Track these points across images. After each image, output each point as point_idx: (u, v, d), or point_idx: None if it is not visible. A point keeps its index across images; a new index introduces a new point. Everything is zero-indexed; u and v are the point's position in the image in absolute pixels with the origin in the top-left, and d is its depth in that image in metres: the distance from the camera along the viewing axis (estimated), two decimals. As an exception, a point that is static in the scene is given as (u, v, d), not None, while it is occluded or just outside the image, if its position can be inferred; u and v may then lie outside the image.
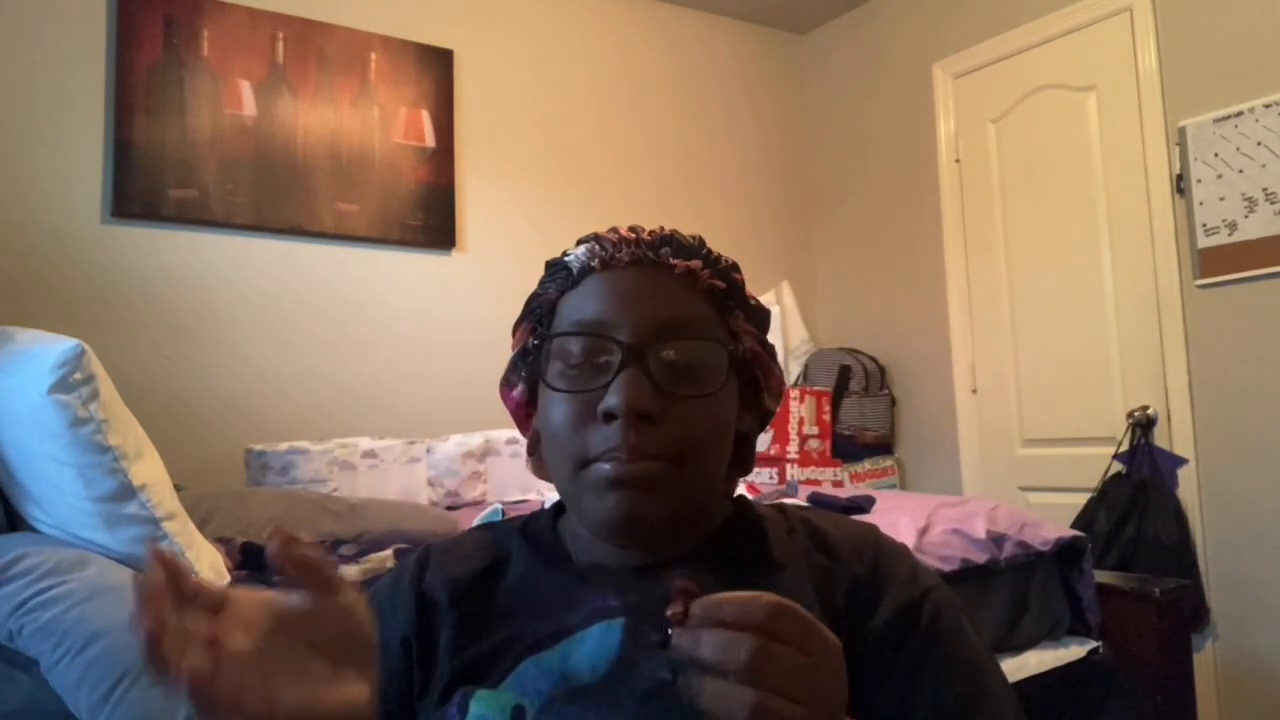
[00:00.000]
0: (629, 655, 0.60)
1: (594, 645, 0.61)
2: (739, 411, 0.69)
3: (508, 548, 0.70)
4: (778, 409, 0.74)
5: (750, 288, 0.72)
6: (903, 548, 0.72)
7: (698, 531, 0.68)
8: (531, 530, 0.72)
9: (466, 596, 0.66)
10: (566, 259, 0.68)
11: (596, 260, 0.66)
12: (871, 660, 0.62)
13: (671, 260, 0.66)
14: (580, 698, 0.59)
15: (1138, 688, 1.87)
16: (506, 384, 0.73)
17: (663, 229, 0.68)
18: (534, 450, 0.71)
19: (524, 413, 0.72)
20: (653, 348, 0.62)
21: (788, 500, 2.01)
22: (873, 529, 0.72)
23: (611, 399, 0.60)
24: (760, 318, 0.71)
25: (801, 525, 0.71)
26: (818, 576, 0.66)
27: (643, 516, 0.61)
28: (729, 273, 0.68)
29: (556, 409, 0.64)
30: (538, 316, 0.70)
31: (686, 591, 0.47)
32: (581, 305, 0.65)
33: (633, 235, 0.66)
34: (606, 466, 0.61)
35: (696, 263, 0.66)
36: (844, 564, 0.67)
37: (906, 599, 0.65)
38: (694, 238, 0.68)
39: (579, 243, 0.68)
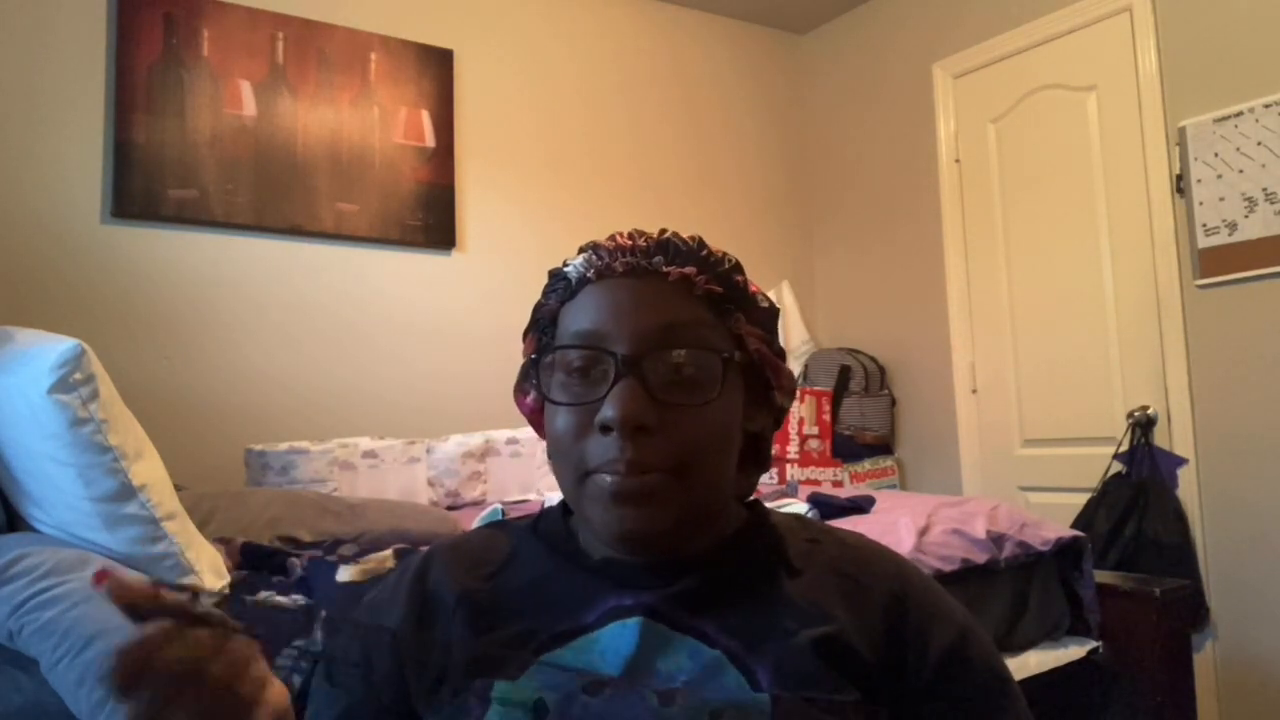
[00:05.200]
0: (645, 653, 0.61)
1: (610, 643, 0.62)
2: (750, 411, 0.69)
3: (518, 546, 0.71)
4: (790, 406, 0.74)
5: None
6: (930, 579, 0.73)
7: (710, 533, 0.68)
8: (543, 528, 0.72)
9: (477, 593, 0.67)
10: (565, 269, 0.69)
11: (592, 270, 0.66)
12: (920, 696, 0.64)
13: (665, 268, 0.65)
14: (601, 691, 0.60)
15: (1138, 688, 1.87)
16: (520, 391, 0.74)
17: (662, 233, 0.68)
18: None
19: (538, 419, 0.73)
20: (648, 358, 0.62)
21: (787, 501, 2.01)
22: (894, 553, 0.74)
23: (607, 411, 0.60)
24: (766, 318, 0.70)
25: (825, 536, 0.72)
26: (846, 585, 0.67)
27: (646, 530, 0.62)
28: (729, 276, 0.68)
29: (558, 419, 0.65)
30: (542, 327, 0.71)
31: None
32: (579, 316, 0.66)
33: (629, 243, 0.66)
34: (608, 479, 0.61)
35: (691, 269, 0.66)
36: (875, 578, 0.68)
37: (952, 638, 0.66)
38: (693, 239, 0.68)
39: (580, 251, 0.69)
